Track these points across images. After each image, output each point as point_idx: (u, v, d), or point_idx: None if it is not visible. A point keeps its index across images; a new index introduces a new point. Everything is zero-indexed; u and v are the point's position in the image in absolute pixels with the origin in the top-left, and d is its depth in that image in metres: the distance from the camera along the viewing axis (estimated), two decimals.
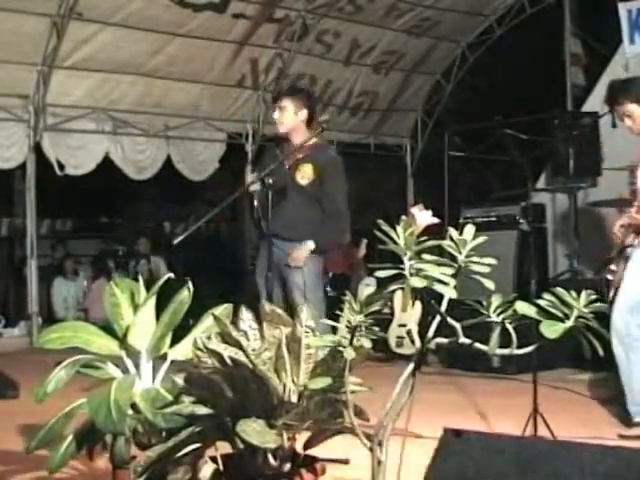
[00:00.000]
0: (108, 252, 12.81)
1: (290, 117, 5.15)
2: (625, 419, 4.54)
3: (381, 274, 2.29)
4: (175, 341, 3.02)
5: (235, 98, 11.07)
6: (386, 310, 6.59)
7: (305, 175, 5.13)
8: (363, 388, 2.61)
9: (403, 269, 2.26)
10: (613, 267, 4.63)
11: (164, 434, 2.66)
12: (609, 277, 4.67)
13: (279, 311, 2.65)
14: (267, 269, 4.72)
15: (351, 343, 2.35)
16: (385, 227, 2.27)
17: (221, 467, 2.60)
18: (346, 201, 5.23)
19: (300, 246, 5.04)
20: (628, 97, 4.52)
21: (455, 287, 2.26)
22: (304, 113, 5.15)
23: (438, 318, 2.38)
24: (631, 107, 4.50)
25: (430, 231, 2.33)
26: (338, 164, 5.27)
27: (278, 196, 5.04)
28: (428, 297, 2.43)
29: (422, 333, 2.46)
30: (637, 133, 4.55)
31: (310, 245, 5.05)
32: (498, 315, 2.32)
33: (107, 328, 3.06)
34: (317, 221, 5.11)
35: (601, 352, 2.24)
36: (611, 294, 4.52)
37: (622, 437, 4.30)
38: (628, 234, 4.55)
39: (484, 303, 2.34)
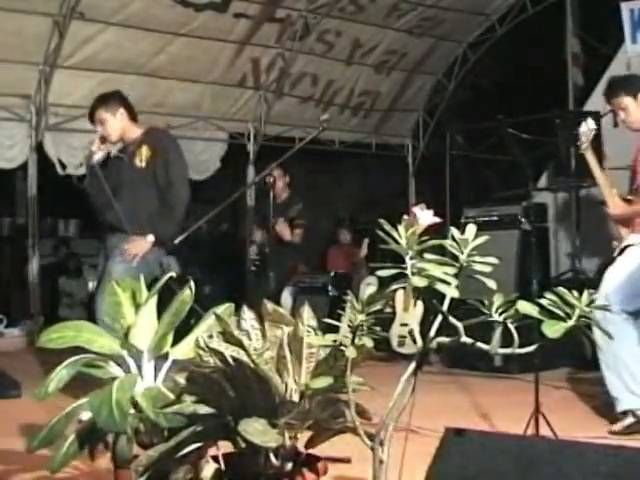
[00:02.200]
0: None
1: (113, 123, 5.17)
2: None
3: (383, 273, 2.28)
4: (177, 340, 3.02)
5: (237, 98, 11.08)
6: (388, 309, 6.59)
7: (142, 156, 5.10)
8: (365, 387, 2.62)
9: (405, 268, 2.26)
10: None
11: (166, 433, 2.66)
12: None
13: (281, 310, 2.65)
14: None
15: (353, 342, 2.35)
16: (387, 226, 2.27)
17: (223, 466, 2.60)
18: (185, 181, 5.11)
19: (135, 237, 4.94)
20: (625, 90, 4.58)
21: (457, 286, 2.26)
22: (122, 112, 5.17)
23: (440, 317, 2.38)
24: (626, 100, 4.57)
25: (432, 230, 2.33)
26: (172, 142, 5.24)
27: (116, 189, 5.05)
28: (430, 297, 2.43)
29: (424, 332, 2.46)
30: (628, 127, 4.61)
31: (150, 238, 4.94)
32: (500, 314, 2.32)
33: None
34: (155, 212, 5.01)
35: None
36: None
37: (612, 433, 4.33)
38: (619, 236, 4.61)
39: (486, 302, 2.34)
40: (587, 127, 4.63)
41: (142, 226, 4.96)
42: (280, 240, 7.89)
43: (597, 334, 4.41)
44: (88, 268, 12.42)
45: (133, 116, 5.24)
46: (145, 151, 5.08)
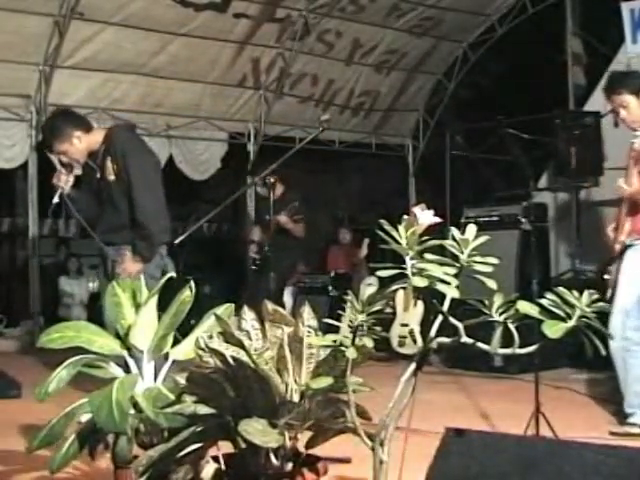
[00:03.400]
0: None
1: (76, 149, 4.96)
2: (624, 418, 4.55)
3: (383, 274, 2.28)
4: (177, 341, 3.02)
5: (237, 98, 11.08)
6: (388, 310, 6.58)
7: (110, 170, 4.89)
8: (365, 388, 2.61)
9: (405, 269, 2.26)
10: (610, 267, 4.64)
11: (166, 433, 2.66)
12: (606, 277, 4.68)
13: (281, 311, 2.65)
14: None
15: (353, 343, 2.35)
16: (387, 226, 2.26)
17: (223, 466, 2.60)
18: (149, 190, 4.82)
19: (129, 256, 4.77)
20: (626, 88, 4.52)
21: (457, 287, 2.26)
22: (77, 135, 4.93)
23: (440, 318, 2.38)
24: (628, 98, 4.50)
25: (432, 231, 2.33)
26: (128, 145, 4.93)
27: (98, 202, 4.97)
28: (430, 297, 2.42)
29: (424, 333, 2.46)
30: (629, 125, 4.56)
31: (138, 258, 4.77)
32: (500, 315, 2.32)
33: None
34: (131, 230, 4.82)
35: (603, 352, 2.24)
36: (608, 294, 4.52)
37: (613, 434, 4.32)
38: (618, 237, 4.57)
39: (486, 303, 2.34)
40: None
41: (123, 238, 4.84)
42: (283, 232, 7.85)
43: (618, 364, 4.43)
44: (88, 268, 12.44)
45: (88, 128, 5.02)
46: (110, 164, 4.89)
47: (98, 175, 4.97)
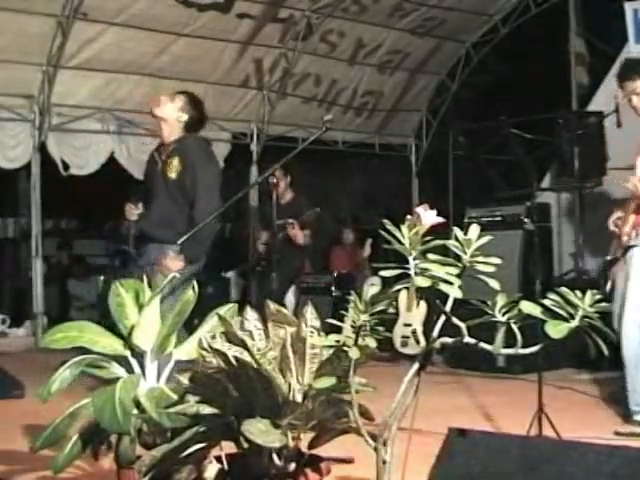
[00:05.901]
0: None
1: (172, 112, 5.09)
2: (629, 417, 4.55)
3: (386, 274, 2.28)
4: (180, 341, 3.02)
5: (240, 98, 11.08)
6: (391, 310, 6.57)
7: (173, 168, 4.90)
8: (368, 388, 2.61)
9: (408, 269, 2.26)
10: (609, 257, 4.61)
11: (169, 434, 2.66)
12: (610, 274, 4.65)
13: (284, 311, 2.65)
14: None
15: (356, 343, 2.35)
16: (390, 227, 2.26)
17: (226, 467, 2.60)
18: (212, 199, 4.84)
19: (172, 255, 4.73)
20: None
21: (460, 287, 2.26)
22: (184, 117, 5.05)
23: (443, 318, 2.38)
24: None
25: (435, 231, 2.33)
26: (203, 153, 5.00)
27: (149, 196, 4.98)
28: (433, 297, 2.42)
29: (427, 333, 2.46)
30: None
31: (182, 258, 4.72)
32: (503, 315, 2.32)
33: None
34: (185, 226, 4.79)
35: (606, 352, 2.23)
36: (608, 287, 4.50)
37: (618, 434, 4.31)
38: (624, 226, 4.53)
39: (489, 303, 2.34)
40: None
41: (168, 237, 4.80)
42: (291, 242, 7.84)
43: (631, 361, 4.42)
44: (95, 269, 12.44)
45: (191, 127, 5.11)
46: (176, 163, 4.90)
47: (159, 169, 4.97)
